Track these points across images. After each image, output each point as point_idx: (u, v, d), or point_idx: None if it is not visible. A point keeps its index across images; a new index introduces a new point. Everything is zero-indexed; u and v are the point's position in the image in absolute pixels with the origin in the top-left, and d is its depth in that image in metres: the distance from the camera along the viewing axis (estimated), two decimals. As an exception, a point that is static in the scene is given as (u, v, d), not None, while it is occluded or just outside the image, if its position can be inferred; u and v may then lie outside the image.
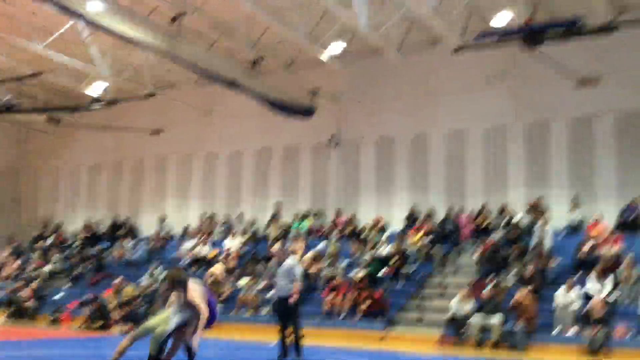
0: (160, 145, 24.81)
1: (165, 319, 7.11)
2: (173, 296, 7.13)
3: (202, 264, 20.29)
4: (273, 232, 20.90)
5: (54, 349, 11.73)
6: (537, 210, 17.85)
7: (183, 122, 24.47)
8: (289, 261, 10.72)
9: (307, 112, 20.03)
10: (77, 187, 27.46)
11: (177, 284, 7.01)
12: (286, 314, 10.39)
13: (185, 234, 23.31)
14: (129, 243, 22.76)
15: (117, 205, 26.15)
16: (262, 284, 17.79)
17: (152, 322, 7.15)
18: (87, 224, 25.21)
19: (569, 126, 18.24)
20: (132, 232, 24.30)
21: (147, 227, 24.89)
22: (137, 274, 20.86)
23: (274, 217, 21.53)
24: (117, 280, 18.45)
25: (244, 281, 18.03)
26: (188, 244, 21.56)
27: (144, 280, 18.96)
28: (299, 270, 10.79)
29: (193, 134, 24.51)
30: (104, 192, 26.67)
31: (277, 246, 10.84)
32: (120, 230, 24.44)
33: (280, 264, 10.61)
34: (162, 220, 23.85)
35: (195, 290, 7.18)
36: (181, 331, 7.08)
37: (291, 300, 10.24)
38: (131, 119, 24.54)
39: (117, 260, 22.42)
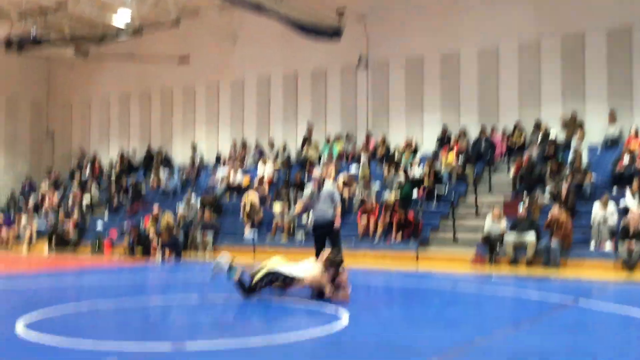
0: (187, 73, 24.68)
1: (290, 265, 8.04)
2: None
3: (235, 191, 20.55)
4: (311, 153, 20.91)
5: (100, 276, 12.17)
6: (573, 125, 17.50)
7: (208, 49, 24.20)
8: (328, 186, 10.52)
9: (334, 33, 19.57)
10: (108, 118, 27.73)
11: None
12: (325, 239, 10.18)
13: (218, 162, 23.52)
14: (163, 172, 23.09)
15: (149, 135, 26.41)
16: (296, 209, 17.99)
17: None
18: (122, 155, 25.57)
19: (606, 37, 17.56)
20: (165, 162, 24.62)
21: (180, 156, 25.19)
22: (172, 202, 21.27)
23: (308, 139, 21.44)
24: (154, 209, 18.86)
25: (277, 207, 18.25)
26: (221, 172, 21.79)
27: (181, 209, 19.33)
28: (338, 195, 10.51)
29: (219, 61, 24.28)
30: (135, 122, 26.89)
31: (317, 170, 10.55)
32: (154, 160, 24.76)
33: (320, 188, 10.30)
34: (194, 147, 24.04)
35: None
36: (286, 282, 7.86)
37: (337, 225, 10.07)
38: (157, 48, 24.36)
39: (153, 190, 22.84)
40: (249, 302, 8.32)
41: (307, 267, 7.97)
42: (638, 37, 17.12)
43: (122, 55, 24.24)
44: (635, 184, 13.83)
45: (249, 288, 7.93)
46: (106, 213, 22.35)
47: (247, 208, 18.40)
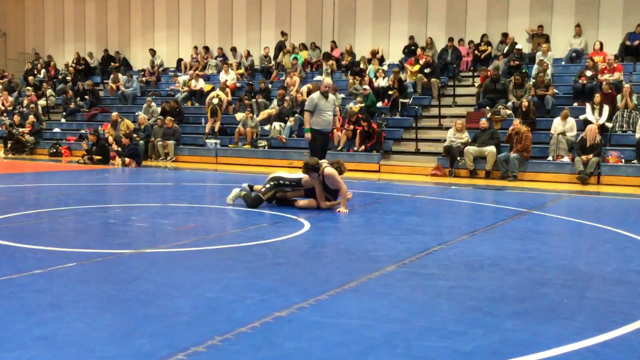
0: (146, -27, 23.55)
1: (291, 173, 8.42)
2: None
3: (197, 97, 20.18)
4: (285, 60, 20.48)
5: (58, 179, 11.99)
6: (539, 37, 17.46)
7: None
8: (332, 95, 10.33)
9: None
10: (63, 19, 26.50)
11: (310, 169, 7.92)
12: (326, 148, 10.33)
13: (179, 67, 22.93)
14: (122, 76, 22.42)
15: (106, 37, 25.43)
16: (260, 117, 17.82)
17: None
18: (78, 57, 24.64)
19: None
20: (124, 66, 23.86)
21: (139, 60, 24.44)
22: (132, 108, 20.82)
23: (282, 47, 20.87)
24: (113, 115, 18.43)
25: (240, 115, 18.02)
26: (182, 78, 21.28)
27: (140, 115, 18.93)
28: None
29: (180, -39, 23.17)
30: (92, 24, 25.81)
31: (328, 79, 10.32)
32: (112, 63, 23.98)
33: (325, 96, 10.01)
34: (153, 52, 23.30)
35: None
36: (290, 188, 8.19)
37: (340, 134, 10.06)
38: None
39: (111, 94, 22.24)
40: (210, 210, 8.33)
41: (303, 175, 8.22)
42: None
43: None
44: (596, 98, 13.99)
45: (255, 197, 8.08)
46: (63, 117, 21.79)
47: (215, 101, 18.25)
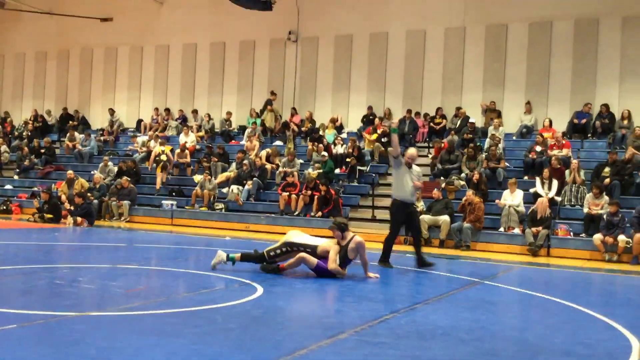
0: (109, 34, 23.78)
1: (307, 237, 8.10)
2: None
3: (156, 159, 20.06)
4: (268, 120, 20.59)
5: (6, 236, 11.62)
6: (491, 112, 18.12)
7: (133, 11, 23.39)
8: (415, 167, 9.83)
9: (265, 4, 19.30)
10: (23, 76, 26.33)
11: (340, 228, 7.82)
12: (409, 220, 9.65)
13: (138, 128, 22.88)
14: (79, 135, 22.21)
15: (66, 95, 25.31)
16: (218, 179, 17.78)
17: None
18: (36, 114, 24.38)
19: (528, 28, 18.20)
20: (82, 124, 23.69)
21: (98, 119, 24.32)
22: (87, 166, 20.57)
23: (269, 104, 20.89)
24: (69, 173, 18.13)
25: (199, 176, 17.97)
26: (141, 138, 21.21)
27: (96, 173, 18.68)
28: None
29: (144, 24, 23.49)
30: (52, 82, 25.68)
31: (412, 149, 9.88)
32: (71, 121, 23.78)
33: (409, 165, 9.51)
34: (112, 112, 23.24)
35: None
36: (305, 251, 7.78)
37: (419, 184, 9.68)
38: (78, 6, 23.28)
39: (68, 153, 21.95)
40: (162, 272, 8.16)
41: (321, 240, 7.97)
42: (557, 30, 17.84)
43: (40, 10, 23.02)
44: (545, 172, 14.46)
45: (259, 257, 7.90)
46: (17, 174, 21.33)
47: (163, 157, 18.39)
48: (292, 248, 7.85)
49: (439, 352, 4.53)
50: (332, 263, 7.62)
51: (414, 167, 9.75)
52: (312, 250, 7.75)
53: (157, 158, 19.01)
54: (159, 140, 20.02)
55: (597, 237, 12.50)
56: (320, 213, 15.54)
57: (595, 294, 8.81)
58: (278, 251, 7.89)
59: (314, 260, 7.66)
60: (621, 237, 12.20)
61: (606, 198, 13.31)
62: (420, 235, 10.00)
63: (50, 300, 5.90)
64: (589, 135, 17.09)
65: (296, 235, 8.08)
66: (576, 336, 5.35)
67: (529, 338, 5.23)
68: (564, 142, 15.83)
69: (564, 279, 10.00)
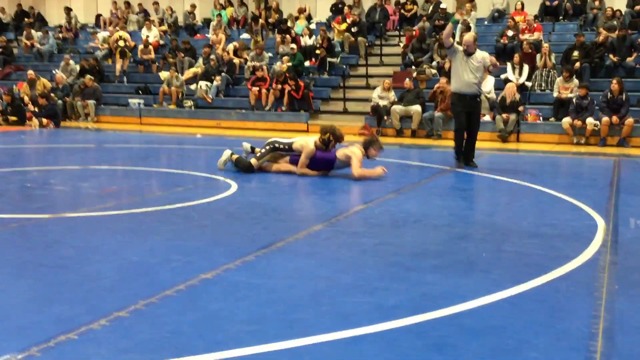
0: None
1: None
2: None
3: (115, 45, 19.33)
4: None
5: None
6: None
7: None
8: (480, 52, 8.70)
9: None
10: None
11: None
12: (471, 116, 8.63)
13: (97, 24, 21.95)
14: (36, 33, 21.25)
15: (19, -9, 23.96)
16: (185, 76, 17.36)
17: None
18: (-13, 12, 23.15)
19: None
20: (39, 21, 22.61)
21: (54, 16, 23.22)
22: (48, 66, 19.85)
23: None
24: (29, 73, 17.50)
25: (165, 73, 17.51)
26: (102, 34, 20.39)
27: (58, 73, 18.07)
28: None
29: None
30: (2, -23, 24.20)
31: (471, 33, 8.80)
32: (27, 19, 22.67)
33: (469, 54, 8.47)
34: (69, 11, 22.14)
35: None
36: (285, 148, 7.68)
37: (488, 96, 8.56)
38: None
39: (26, 52, 21.09)
40: (134, 172, 8.12)
41: (304, 138, 7.79)
42: None
43: None
44: (516, 57, 14.37)
45: (247, 163, 7.66)
46: (-26, 77, 20.52)
47: (121, 43, 18.02)
48: (274, 145, 7.74)
49: (412, 239, 4.66)
50: (301, 167, 7.53)
51: (477, 53, 8.57)
52: (288, 146, 7.69)
53: (115, 44, 18.52)
54: (117, 27, 19.55)
55: (566, 120, 12.65)
56: (291, 108, 15.39)
57: (563, 177, 9.04)
58: (263, 150, 7.77)
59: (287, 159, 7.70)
60: (589, 120, 12.37)
61: (576, 81, 13.36)
62: (475, 132, 8.79)
63: (23, 204, 5.85)
64: (561, 17, 16.89)
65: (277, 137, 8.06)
66: (544, 218, 5.52)
67: (497, 221, 5.39)
68: (535, 25, 15.63)
69: (532, 163, 10.22)
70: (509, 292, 3.46)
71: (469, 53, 8.52)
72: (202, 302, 3.19)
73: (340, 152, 7.52)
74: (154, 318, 2.96)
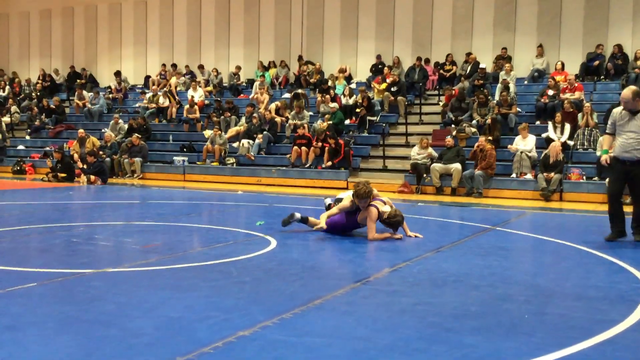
0: (113, -11, 23.46)
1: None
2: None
3: (164, 114, 20.06)
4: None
5: (21, 197, 11.76)
6: (502, 58, 17.83)
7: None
8: None
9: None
10: (28, 35, 26.17)
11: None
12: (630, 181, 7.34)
13: (146, 85, 22.80)
14: (87, 93, 22.17)
15: (72, 54, 25.18)
16: (228, 134, 17.76)
17: None
18: (44, 73, 24.32)
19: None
20: (90, 82, 23.63)
21: (105, 77, 24.23)
22: (97, 124, 20.61)
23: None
24: (80, 131, 18.18)
25: (209, 132, 17.96)
26: (150, 95, 21.15)
27: (107, 131, 18.72)
28: None
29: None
30: (58, 40, 25.53)
31: (626, 91, 7.24)
32: (79, 80, 23.72)
33: (633, 112, 7.15)
34: (118, 74, 23.07)
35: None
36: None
37: None
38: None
39: (77, 112, 21.97)
40: (177, 228, 8.26)
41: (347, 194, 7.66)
42: (570, -29, 17.35)
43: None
44: (557, 116, 14.30)
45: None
46: (28, 135, 21.43)
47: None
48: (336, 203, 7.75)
49: (451, 299, 4.59)
50: (370, 234, 7.17)
51: None
52: (337, 201, 7.67)
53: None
54: (165, 88, 20.52)
55: (610, 180, 12.41)
56: (330, 165, 15.54)
57: (608, 237, 8.79)
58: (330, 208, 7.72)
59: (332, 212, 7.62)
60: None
61: (619, 141, 13.16)
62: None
63: (68, 258, 5.99)
64: (602, 77, 16.81)
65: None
66: (588, 279, 5.38)
67: (541, 282, 5.27)
68: (576, 85, 15.59)
69: (576, 223, 10.01)
70: (552, 356, 3.35)
71: (634, 112, 7.20)
72: (239, 359, 3.19)
73: (361, 215, 7.33)
74: (191, 375, 2.97)
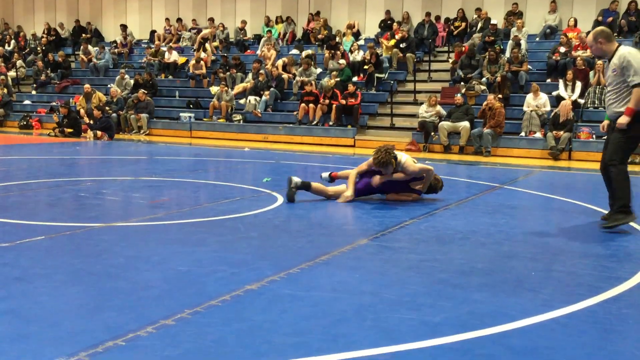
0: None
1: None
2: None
3: (171, 70, 19.90)
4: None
5: (28, 151, 11.78)
6: (514, 14, 17.50)
7: None
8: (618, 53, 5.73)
9: None
10: (33, -11, 25.85)
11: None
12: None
13: (152, 39, 22.56)
14: (93, 48, 21.98)
15: (77, 8, 24.87)
16: (235, 90, 17.64)
17: None
18: (49, 28, 24.08)
19: None
20: (96, 37, 23.40)
21: (110, 32, 23.98)
22: (103, 80, 20.49)
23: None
24: (86, 86, 18.09)
25: (215, 88, 17.83)
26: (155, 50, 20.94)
27: (113, 87, 18.62)
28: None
29: None
30: (62, -6, 25.18)
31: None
32: (84, 34, 23.49)
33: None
34: (124, 28, 22.82)
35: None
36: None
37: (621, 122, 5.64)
38: None
39: (83, 66, 21.82)
40: (184, 184, 8.27)
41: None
42: None
43: None
44: (569, 74, 14.10)
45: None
46: (34, 90, 21.35)
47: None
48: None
49: (458, 255, 4.59)
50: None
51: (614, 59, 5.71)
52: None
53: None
54: (171, 43, 20.24)
55: (620, 139, 12.29)
56: (338, 122, 15.44)
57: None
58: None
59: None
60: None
61: (631, 99, 12.99)
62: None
63: (76, 212, 6.02)
64: (616, 34, 16.48)
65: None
66: (596, 237, 5.37)
67: (548, 240, 5.26)
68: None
69: (585, 181, 9.96)
70: (558, 313, 3.36)
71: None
72: (246, 313, 3.21)
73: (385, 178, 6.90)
74: (199, 327, 2.99)
